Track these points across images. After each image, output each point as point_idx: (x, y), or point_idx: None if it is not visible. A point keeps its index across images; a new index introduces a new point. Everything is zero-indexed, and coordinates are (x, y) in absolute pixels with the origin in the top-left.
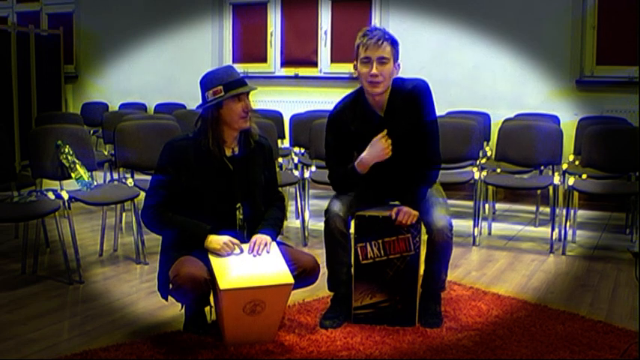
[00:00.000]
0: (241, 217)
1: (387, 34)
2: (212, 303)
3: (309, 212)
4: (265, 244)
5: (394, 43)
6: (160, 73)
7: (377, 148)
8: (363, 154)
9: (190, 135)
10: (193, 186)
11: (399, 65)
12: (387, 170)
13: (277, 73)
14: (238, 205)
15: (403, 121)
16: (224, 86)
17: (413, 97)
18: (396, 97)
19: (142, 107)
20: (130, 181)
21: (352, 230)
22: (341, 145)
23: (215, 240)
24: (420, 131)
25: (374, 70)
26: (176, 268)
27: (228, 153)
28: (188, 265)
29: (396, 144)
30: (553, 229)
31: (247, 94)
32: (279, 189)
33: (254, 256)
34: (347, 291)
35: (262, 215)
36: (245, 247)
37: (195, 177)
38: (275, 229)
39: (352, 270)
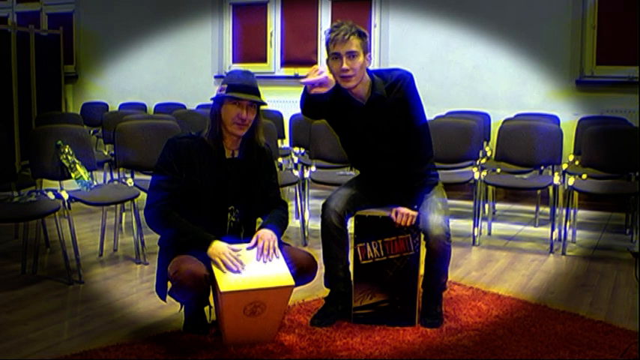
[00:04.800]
0: (234, 219)
1: (354, 27)
2: (212, 303)
3: (309, 212)
4: (271, 244)
5: (362, 36)
6: (159, 73)
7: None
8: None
9: (194, 134)
10: (190, 183)
11: (370, 57)
12: (380, 165)
13: (277, 73)
14: (231, 207)
15: (388, 109)
16: (228, 86)
17: (398, 86)
18: (379, 86)
19: (142, 107)
20: (129, 181)
21: (352, 230)
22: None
23: (215, 252)
24: (408, 128)
25: (344, 65)
26: (175, 265)
27: (228, 155)
28: (187, 262)
29: (383, 134)
30: (553, 229)
31: (253, 105)
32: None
33: (264, 262)
34: (345, 289)
35: (259, 219)
36: (243, 246)
37: (193, 174)
38: (279, 225)
39: (351, 269)
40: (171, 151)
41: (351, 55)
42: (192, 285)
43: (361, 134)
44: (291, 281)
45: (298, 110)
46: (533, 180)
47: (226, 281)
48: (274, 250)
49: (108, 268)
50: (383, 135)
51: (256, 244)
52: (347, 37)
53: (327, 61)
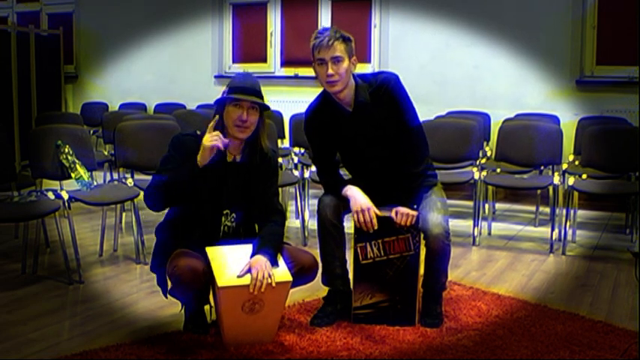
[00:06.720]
0: (228, 224)
1: (338, 32)
2: (212, 303)
3: (308, 212)
4: (265, 274)
5: (346, 40)
6: (159, 73)
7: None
8: (352, 195)
9: (199, 132)
10: (188, 183)
11: (355, 61)
12: (375, 167)
13: (277, 73)
14: (226, 211)
15: (375, 114)
16: (229, 88)
17: (383, 90)
18: (363, 91)
19: (142, 107)
20: (129, 181)
21: (352, 230)
22: (321, 144)
23: (203, 148)
24: (400, 129)
25: (329, 71)
26: (173, 261)
27: (229, 159)
28: (185, 257)
29: (373, 138)
30: (553, 229)
31: (254, 107)
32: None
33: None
34: (343, 287)
35: (256, 224)
36: (239, 247)
37: (192, 175)
38: (273, 247)
39: (351, 269)
40: (174, 149)
41: (336, 60)
42: (190, 281)
43: (351, 139)
44: (288, 277)
45: (298, 110)
46: (533, 180)
47: (224, 277)
48: (269, 276)
49: (108, 268)
50: (373, 139)
51: (249, 271)
52: (331, 42)
53: (314, 66)
